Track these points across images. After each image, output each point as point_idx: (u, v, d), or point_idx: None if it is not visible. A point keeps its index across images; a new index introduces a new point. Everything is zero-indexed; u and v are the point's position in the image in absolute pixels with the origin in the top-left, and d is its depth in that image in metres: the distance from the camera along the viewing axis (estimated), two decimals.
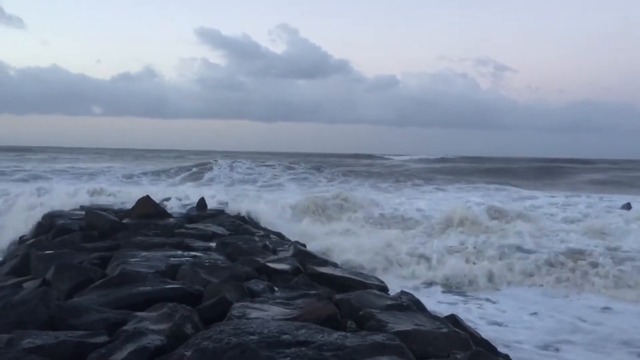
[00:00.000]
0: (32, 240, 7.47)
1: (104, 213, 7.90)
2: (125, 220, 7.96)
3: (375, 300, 4.40)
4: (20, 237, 8.86)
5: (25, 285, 4.99)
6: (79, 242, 6.64)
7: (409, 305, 4.57)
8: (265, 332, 3.17)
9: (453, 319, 4.36)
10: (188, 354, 3.00)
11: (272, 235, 8.18)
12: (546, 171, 37.42)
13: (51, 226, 8.13)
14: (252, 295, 4.35)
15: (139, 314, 3.75)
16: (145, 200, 8.73)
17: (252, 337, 3.10)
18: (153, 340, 3.20)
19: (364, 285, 5.06)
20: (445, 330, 3.75)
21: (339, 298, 4.31)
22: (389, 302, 4.46)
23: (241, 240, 6.80)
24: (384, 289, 5.30)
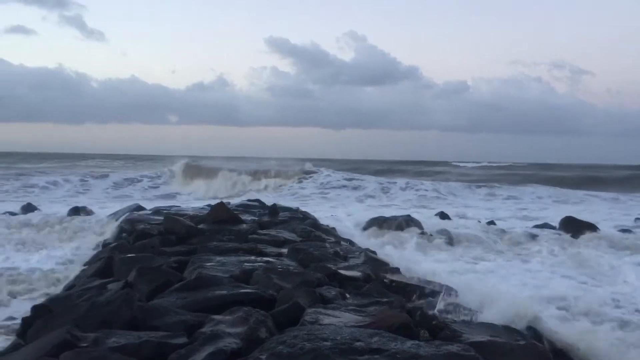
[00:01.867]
0: (114, 244, 7.84)
1: (181, 218, 8.18)
2: (200, 226, 8.20)
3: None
4: (104, 242, 9.33)
5: (109, 286, 5.23)
6: (158, 246, 6.90)
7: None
8: (339, 338, 3.19)
9: (531, 330, 4.22)
10: (263, 357, 3.07)
11: (342, 242, 8.20)
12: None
13: (132, 231, 8.49)
14: (324, 302, 4.39)
15: (215, 317, 3.86)
16: (220, 206, 8.97)
17: (325, 343, 3.12)
18: (229, 343, 3.29)
19: (436, 294, 4.99)
20: (522, 342, 3.63)
21: (411, 306, 4.27)
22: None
23: (312, 246, 6.85)
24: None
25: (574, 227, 12.65)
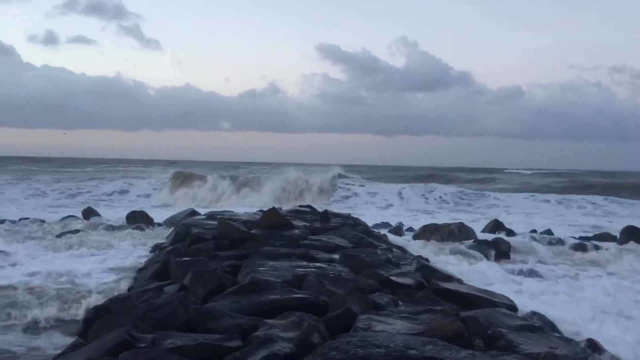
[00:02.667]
0: (170, 248, 8.04)
1: (234, 223, 8.31)
2: (253, 231, 8.31)
3: (505, 319, 4.24)
4: (160, 245, 9.58)
5: (165, 289, 5.37)
6: (212, 251, 7.02)
7: (541, 326, 4.35)
8: (392, 345, 3.17)
9: (592, 343, 4.07)
10: None
11: (394, 249, 8.15)
12: None
13: (186, 235, 8.68)
14: (377, 308, 4.36)
15: (268, 321, 3.89)
16: (272, 212, 9.06)
17: (378, 349, 3.11)
18: (283, 347, 3.31)
19: (491, 303, 4.89)
20: (583, 355, 3.51)
21: (466, 315, 4.20)
22: (519, 322, 4.29)
23: (364, 253, 6.83)
24: (513, 308, 5.08)
25: (637, 237, 12.10)
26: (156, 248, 9.51)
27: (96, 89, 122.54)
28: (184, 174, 29.77)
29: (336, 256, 6.75)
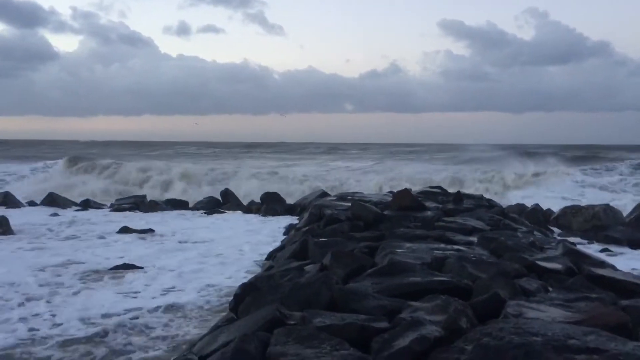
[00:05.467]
0: (306, 228, 8.25)
1: (368, 205, 8.34)
2: (386, 212, 8.29)
3: None
4: (294, 225, 9.90)
5: (306, 268, 5.52)
6: (347, 232, 7.10)
7: None
8: (550, 334, 3.00)
9: None
10: (468, 348, 3.00)
11: (535, 232, 7.74)
12: None
13: (320, 216, 8.86)
14: (525, 294, 4.16)
15: (413, 303, 3.86)
16: (404, 193, 8.98)
17: (535, 338, 2.96)
18: (431, 330, 3.26)
19: None
20: None
21: (627, 304, 3.87)
22: None
23: (503, 235, 6.55)
24: None
25: None
26: (291, 228, 9.82)
27: (225, 75, 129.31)
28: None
29: (473, 239, 6.53)
